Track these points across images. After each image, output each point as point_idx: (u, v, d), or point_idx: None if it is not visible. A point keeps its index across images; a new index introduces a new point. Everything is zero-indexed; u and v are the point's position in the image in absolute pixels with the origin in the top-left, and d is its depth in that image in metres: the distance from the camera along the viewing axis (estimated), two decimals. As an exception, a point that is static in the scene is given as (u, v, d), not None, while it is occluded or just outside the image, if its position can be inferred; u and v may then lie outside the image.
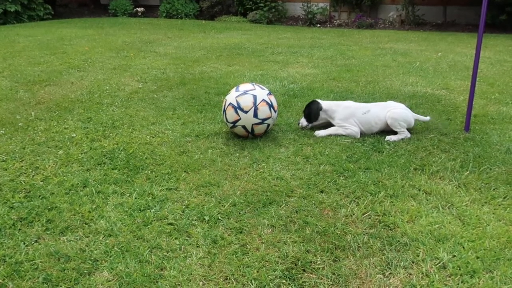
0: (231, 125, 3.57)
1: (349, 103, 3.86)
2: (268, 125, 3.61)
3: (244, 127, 3.54)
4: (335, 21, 13.04)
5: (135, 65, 6.43)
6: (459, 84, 5.51)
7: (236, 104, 3.49)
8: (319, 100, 3.84)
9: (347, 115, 3.75)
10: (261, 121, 3.53)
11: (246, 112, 3.47)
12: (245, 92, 3.53)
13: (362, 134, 3.78)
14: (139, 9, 14.26)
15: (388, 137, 3.64)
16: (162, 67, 6.35)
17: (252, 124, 3.53)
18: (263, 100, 3.52)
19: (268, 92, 3.64)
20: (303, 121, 3.85)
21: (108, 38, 9.13)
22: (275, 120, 3.75)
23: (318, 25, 12.70)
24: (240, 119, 3.50)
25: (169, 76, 5.76)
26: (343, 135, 3.72)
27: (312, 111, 3.80)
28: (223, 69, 6.25)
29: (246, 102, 3.48)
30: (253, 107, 3.48)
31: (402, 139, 3.65)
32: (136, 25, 11.71)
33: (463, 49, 8.21)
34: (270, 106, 3.56)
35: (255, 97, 3.50)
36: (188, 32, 10.42)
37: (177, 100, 4.68)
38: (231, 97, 3.56)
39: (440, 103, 4.70)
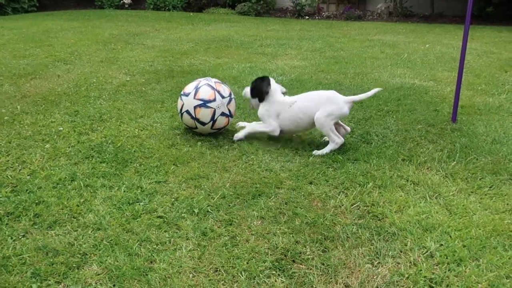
0: (180, 114, 3.53)
1: (285, 98, 3.45)
2: (214, 109, 3.38)
3: (188, 112, 3.42)
4: (323, 13, 13.03)
5: (123, 58, 6.36)
6: (446, 75, 5.56)
7: (181, 92, 3.53)
8: (272, 81, 3.45)
9: (274, 109, 3.38)
10: (202, 102, 3.37)
11: (187, 95, 3.44)
12: (209, 103, 3.40)
13: (285, 132, 3.44)
14: (126, 1, 14.08)
15: (315, 152, 3.25)
16: (150, 59, 6.30)
17: (194, 106, 3.38)
18: (206, 84, 3.44)
19: (219, 83, 3.52)
20: (248, 91, 3.53)
21: (95, 30, 9.01)
22: (226, 106, 3.47)
23: (307, 17, 12.68)
24: (183, 103, 3.44)
25: (157, 69, 5.72)
26: (261, 131, 3.43)
27: (257, 89, 3.44)
28: (211, 62, 6.22)
29: (189, 88, 3.48)
30: (194, 90, 3.43)
31: (332, 150, 3.23)
32: (123, 17, 11.58)
33: (451, 40, 8.27)
34: (214, 89, 3.42)
35: (199, 81, 3.49)
36: (176, 24, 10.34)
37: (165, 92, 4.65)
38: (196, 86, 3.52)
39: (428, 94, 4.74)
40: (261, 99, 3.44)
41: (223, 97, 3.45)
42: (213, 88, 3.45)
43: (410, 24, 11.17)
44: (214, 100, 3.40)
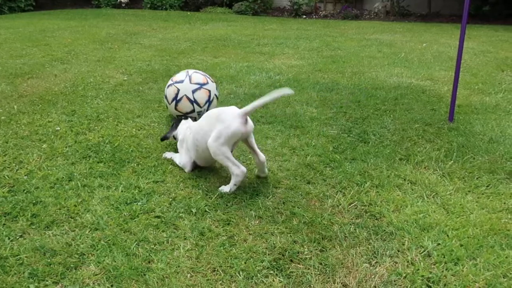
0: (174, 102, 3.68)
1: (183, 122, 3.15)
2: (195, 118, 3.52)
3: (186, 96, 3.62)
4: (320, 12, 13.03)
5: (120, 57, 6.35)
6: (443, 74, 5.57)
7: (165, 93, 3.72)
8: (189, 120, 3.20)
9: (182, 136, 3.05)
10: (183, 114, 3.62)
11: (169, 103, 3.68)
12: (173, 84, 3.65)
13: (199, 164, 2.93)
14: (123, 0, 14.05)
15: (221, 188, 2.70)
16: (147, 59, 6.29)
17: (177, 115, 3.66)
18: (186, 96, 3.59)
19: (199, 86, 3.60)
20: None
21: (92, 29, 8.99)
22: (215, 91, 3.72)
23: (304, 16, 12.68)
24: (167, 107, 3.73)
25: (155, 68, 5.71)
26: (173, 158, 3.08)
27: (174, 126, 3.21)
28: (209, 61, 6.22)
29: (170, 94, 3.64)
30: (174, 101, 3.63)
31: (235, 184, 2.64)
32: (120, 16, 11.55)
33: (447, 40, 8.29)
34: (193, 102, 3.58)
35: (178, 91, 3.60)
36: (173, 23, 10.32)
37: (163, 92, 4.63)
38: (166, 85, 3.76)
39: (425, 93, 4.75)
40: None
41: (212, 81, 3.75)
42: (203, 74, 3.74)
43: (407, 23, 11.19)
44: (207, 83, 3.68)
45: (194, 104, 3.59)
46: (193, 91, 3.58)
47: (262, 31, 9.23)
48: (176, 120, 3.31)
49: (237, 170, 2.60)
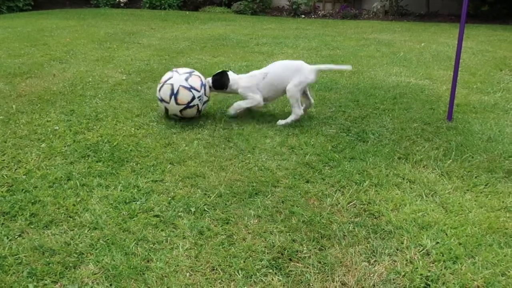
0: (166, 114, 3.88)
1: (253, 72, 3.89)
2: (198, 105, 3.72)
3: (175, 114, 3.79)
4: (319, 12, 13.04)
5: (118, 57, 6.35)
6: (442, 74, 5.57)
7: (160, 97, 3.75)
8: (229, 73, 3.85)
9: (249, 83, 3.78)
10: (185, 105, 3.67)
11: (168, 102, 3.70)
12: (164, 83, 3.72)
13: (267, 100, 3.90)
14: (121, -1, 14.05)
15: (279, 122, 3.74)
16: (146, 58, 6.28)
17: (180, 110, 3.71)
18: (198, 76, 3.77)
19: (188, 73, 3.74)
20: (210, 82, 3.84)
21: (90, 29, 8.98)
22: (207, 95, 3.81)
23: (303, 16, 12.68)
24: (168, 110, 3.77)
25: (153, 68, 5.71)
26: (248, 107, 3.83)
27: (219, 81, 3.82)
28: (207, 61, 6.21)
29: (165, 93, 3.68)
30: (173, 97, 3.66)
31: (293, 120, 3.71)
32: (118, 16, 11.54)
33: (446, 39, 8.30)
34: (190, 88, 3.66)
35: (172, 85, 3.67)
36: (172, 23, 10.32)
37: (161, 91, 4.64)
38: (157, 91, 3.80)
39: (424, 92, 4.75)
40: (222, 88, 3.84)
41: (205, 94, 3.80)
42: (189, 88, 3.70)
43: (406, 22, 11.20)
44: (194, 71, 3.82)
45: (192, 90, 3.66)
46: (186, 79, 3.69)
47: (261, 31, 9.23)
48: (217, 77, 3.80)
49: (299, 111, 3.71)
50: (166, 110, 3.76)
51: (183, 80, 3.67)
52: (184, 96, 3.64)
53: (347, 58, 6.52)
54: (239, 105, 3.83)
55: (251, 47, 7.34)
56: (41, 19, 10.63)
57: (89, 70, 5.53)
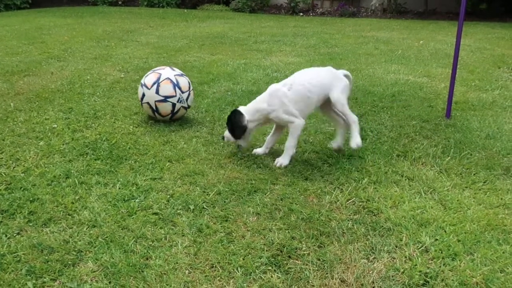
0: (140, 102, 3.77)
1: (272, 87, 3.08)
2: (174, 104, 3.62)
3: (148, 103, 3.65)
4: (317, 10, 13.03)
5: (117, 55, 6.33)
6: (440, 71, 5.57)
7: (142, 82, 3.71)
8: (241, 109, 3.08)
9: (279, 103, 2.97)
10: (163, 98, 3.59)
11: (149, 88, 3.61)
12: (153, 71, 3.74)
13: (306, 114, 3.10)
14: (119, -3, 14.01)
15: (352, 143, 3.01)
16: (144, 56, 6.27)
17: (155, 101, 3.61)
18: (167, 78, 3.65)
19: (179, 73, 3.75)
20: (230, 137, 3.12)
21: (88, 27, 8.96)
22: (187, 103, 3.72)
23: (301, 14, 12.67)
24: (144, 95, 3.65)
25: (152, 66, 5.68)
26: (296, 137, 3.02)
27: (235, 127, 3.06)
28: (206, 58, 6.21)
29: (150, 80, 3.65)
30: (156, 84, 3.60)
31: (358, 129, 3.04)
32: (116, 14, 11.52)
33: (444, 37, 8.30)
34: (175, 85, 3.63)
35: (159, 75, 3.65)
36: (170, 21, 10.30)
37: (160, 89, 4.63)
38: (143, 78, 3.78)
39: (422, 90, 4.76)
40: (241, 134, 3.07)
41: (182, 92, 3.68)
42: (174, 84, 3.65)
43: (404, 20, 11.20)
44: (175, 96, 3.64)
45: (177, 89, 3.62)
46: (176, 76, 3.68)
47: (259, 29, 9.22)
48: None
49: (354, 116, 3.05)
50: (143, 95, 3.64)
51: (173, 76, 3.67)
52: (166, 89, 3.60)
53: (346, 55, 6.51)
54: (291, 146, 3.02)
55: (250, 45, 7.33)
56: (39, 17, 10.60)
57: (87, 68, 5.52)
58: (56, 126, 3.62)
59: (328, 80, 3.07)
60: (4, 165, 2.97)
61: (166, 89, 3.59)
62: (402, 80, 5.15)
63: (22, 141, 3.34)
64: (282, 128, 3.16)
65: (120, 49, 6.75)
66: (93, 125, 3.67)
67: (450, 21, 10.83)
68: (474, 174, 2.91)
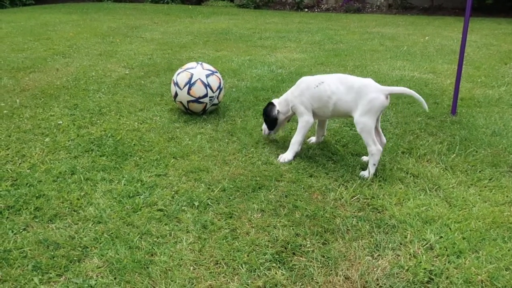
0: (173, 99, 3.85)
1: (302, 79, 3.09)
2: (205, 104, 3.73)
3: (181, 102, 3.76)
4: (322, 6, 12.97)
5: (121, 51, 6.34)
6: (446, 67, 5.54)
7: (174, 80, 3.77)
8: (274, 101, 3.20)
9: (300, 92, 3.02)
10: (195, 99, 3.68)
11: (181, 89, 3.70)
12: (185, 70, 3.77)
13: (318, 117, 3.08)
14: (124, -7, 14.00)
15: (362, 173, 2.83)
16: (148, 52, 6.28)
17: (187, 101, 3.71)
18: (199, 79, 3.69)
19: (209, 72, 3.76)
20: (266, 129, 3.27)
21: (93, 23, 8.97)
22: (218, 100, 3.82)
23: (306, 10, 12.62)
24: (177, 95, 3.75)
25: (156, 62, 5.70)
26: (302, 135, 3.04)
27: (268, 119, 3.19)
28: (210, 55, 6.20)
29: (182, 79, 3.71)
30: (188, 85, 3.67)
31: (374, 164, 2.77)
32: (121, 10, 11.52)
33: (450, 33, 8.24)
34: (207, 86, 3.69)
35: (191, 75, 3.70)
36: (174, 17, 10.29)
37: (164, 86, 4.64)
38: (175, 75, 3.83)
39: (428, 86, 4.73)
40: (274, 125, 3.20)
41: (213, 91, 3.75)
42: (204, 84, 3.71)
43: (410, 16, 11.13)
44: (217, 72, 3.83)
45: (208, 88, 3.68)
46: (207, 76, 3.71)
47: (263, 25, 9.19)
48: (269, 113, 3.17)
49: (374, 148, 2.77)
50: (176, 95, 3.74)
51: (204, 76, 3.70)
52: (198, 90, 3.65)
53: (351, 52, 6.49)
54: (296, 142, 3.04)
55: (254, 41, 7.32)
56: (44, 13, 10.62)
57: (92, 65, 5.53)
58: (61, 122, 3.63)
59: (352, 97, 2.82)
60: (10, 161, 2.99)
61: (198, 91, 3.67)
62: (407, 76, 5.13)
63: (28, 137, 3.36)
64: (324, 121, 3.26)
65: (125, 46, 6.76)
66: (98, 121, 3.68)
67: (456, 17, 10.75)
68: (480, 171, 2.89)
